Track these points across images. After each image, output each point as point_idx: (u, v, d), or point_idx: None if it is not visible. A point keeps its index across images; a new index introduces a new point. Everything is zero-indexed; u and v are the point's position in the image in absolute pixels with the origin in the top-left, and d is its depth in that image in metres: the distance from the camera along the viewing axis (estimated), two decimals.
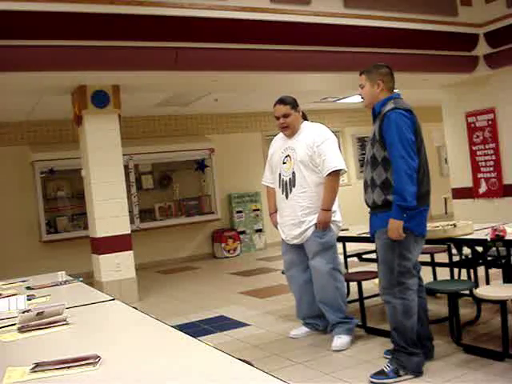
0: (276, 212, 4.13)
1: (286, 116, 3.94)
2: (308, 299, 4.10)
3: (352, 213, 6.86)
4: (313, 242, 3.86)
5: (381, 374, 3.10)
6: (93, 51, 5.16)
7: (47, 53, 5.01)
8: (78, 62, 5.22)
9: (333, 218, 3.91)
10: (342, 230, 4.58)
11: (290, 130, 3.98)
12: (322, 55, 6.24)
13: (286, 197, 3.94)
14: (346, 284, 4.15)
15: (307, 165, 3.84)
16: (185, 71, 5.81)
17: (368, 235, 3.52)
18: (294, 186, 3.89)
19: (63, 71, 5.34)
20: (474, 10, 7.28)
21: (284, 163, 3.98)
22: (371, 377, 3.11)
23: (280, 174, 4.00)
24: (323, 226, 3.83)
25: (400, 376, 3.08)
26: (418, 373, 3.10)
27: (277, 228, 4.15)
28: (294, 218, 3.90)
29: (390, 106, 3.12)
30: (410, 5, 6.75)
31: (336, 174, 3.83)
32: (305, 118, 4.11)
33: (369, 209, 3.33)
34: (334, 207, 3.92)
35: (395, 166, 3.03)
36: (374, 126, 3.21)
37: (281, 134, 4.14)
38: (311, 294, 4.04)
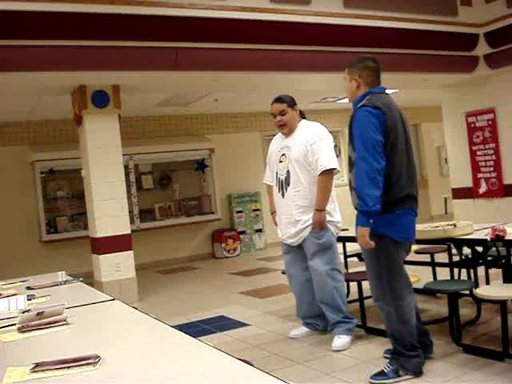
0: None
1: (282, 114, 3.95)
2: (308, 298, 4.10)
3: (352, 213, 6.85)
4: (310, 242, 3.87)
5: (381, 374, 3.09)
6: (93, 51, 5.16)
7: (47, 53, 5.01)
8: (78, 62, 5.22)
9: (332, 219, 3.91)
10: (342, 230, 4.58)
11: (287, 128, 3.99)
12: (322, 55, 6.24)
13: (283, 195, 3.95)
14: (345, 284, 4.14)
15: (301, 164, 3.85)
16: (185, 71, 5.81)
17: None
18: (288, 185, 3.90)
19: (63, 71, 5.34)
20: (474, 10, 7.28)
21: (280, 162, 4.00)
22: (371, 377, 3.10)
23: (277, 173, 4.02)
24: (319, 225, 3.82)
25: (400, 376, 3.06)
26: (417, 373, 3.09)
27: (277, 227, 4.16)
28: (290, 217, 3.90)
29: (362, 102, 2.98)
30: (410, 5, 6.75)
31: (329, 173, 3.82)
32: (303, 116, 4.11)
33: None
34: (332, 207, 3.93)
35: (357, 169, 2.88)
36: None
37: (279, 134, 4.15)
38: (311, 293, 4.04)
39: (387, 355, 3.43)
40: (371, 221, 2.89)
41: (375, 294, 3.15)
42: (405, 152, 3.02)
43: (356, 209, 3.08)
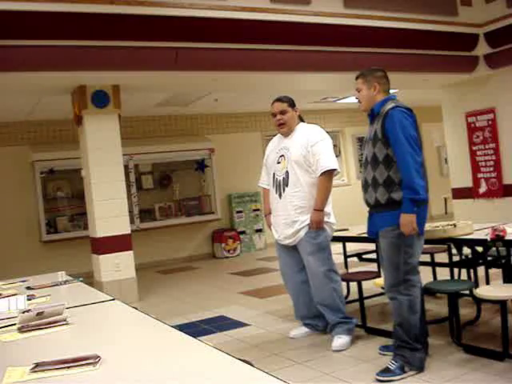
0: (271, 213, 4.14)
1: (282, 113, 3.97)
2: (305, 300, 4.10)
3: (352, 213, 6.87)
4: (306, 242, 3.86)
5: (386, 371, 3.11)
6: (93, 51, 5.16)
7: (47, 53, 5.00)
8: (78, 61, 5.22)
9: (327, 220, 3.91)
10: (342, 230, 4.58)
11: (286, 128, 4.00)
12: (322, 55, 6.23)
13: (280, 196, 3.95)
14: (342, 284, 4.14)
15: (301, 164, 3.85)
16: (185, 71, 5.81)
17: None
18: (287, 186, 3.90)
19: (63, 71, 5.34)
20: (474, 10, 7.28)
21: (278, 163, 4.00)
22: (377, 374, 3.12)
23: (274, 174, 4.02)
24: (316, 225, 3.83)
25: (405, 372, 3.11)
26: (420, 368, 3.14)
27: (271, 229, 4.16)
28: (287, 218, 3.90)
29: (390, 105, 3.17)
30: (410, 5, 6.74)
31: (329, 174, 3.84)
32: (301, 119, 4.13)
33: (368, 208, 3.34)
34: (328, 209, 3.93)
35: (403, 163, 3.07)
36: (374, 126, 3.24)
37: (277, 136, 4.17)
38: (308, 294, 4.04)
39: (382, 352, 3.51)
40: (415, 209, 3.06)
41: (389, 285, 3.24)
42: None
43: (371, 205, 3.28)
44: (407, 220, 3.06)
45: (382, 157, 3.16)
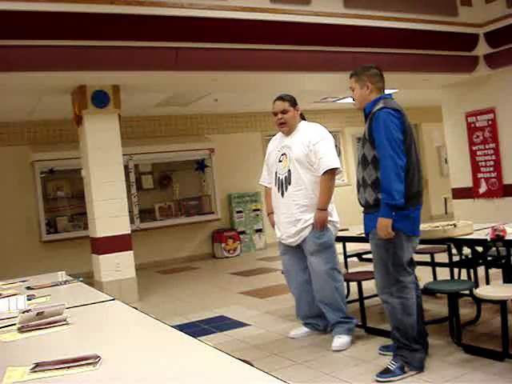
0: (273, 212, 4.14)
1: (284, 112, 3.98)
2: (307, 299, 4.10)
3: (352, 213, 6.84)
4: (310, 242, 3.86)
5: (386, 372, 3.11)
6: (93, 51, 5.16)
7: (47, 53, 5.00)
8: (78, 61, 5.22)
9: (331, 219, 3.91)
10: (342, 230, 4.58)
11: (287, 127, 4.00)
12: (322, 55, 6.23)
13: (282, 195, 3.95)
14: (345, 284, 4.15)
15: (303, 163, 3.86)
16: (185, 71, 5.81)
17: None
18: (289, 184, 3.90)
19: (63, 71, 5.34)
20: (474, 10, 7.28)
21: (280, 161, 4.00)
22: (377, 376, 3.11)
23: (276, 173, 4.02)
24: (320, 225, 3.83)
25: (405, 372, 3.10)
26: (420, 368, 3.14)
27: (274, 228, 4.16)
28: (290, 216, 3.90)
29: (379, 105, 3.14)
30: (410, 5, 6.74)
31: (331, 172, 3.84)
32: (303, 118, 4.13)
33: (363, 208, 3.34)
34: (331, 207, 3.93)
35: (383, 165, 3.04)
36: (365, 126, 3.24)
37: (278, 134, 4.17)
38: (310, 293, 4.04)
39: (383, 352, 3.51)
40: (393, 213, 3.03)
41: (381, 287, 3.22)
42: (414, 150, 3.17)
43: (363, 206, 3.26)
44: (382, 224, 3.04)
45: (370, 157, 3.15)
